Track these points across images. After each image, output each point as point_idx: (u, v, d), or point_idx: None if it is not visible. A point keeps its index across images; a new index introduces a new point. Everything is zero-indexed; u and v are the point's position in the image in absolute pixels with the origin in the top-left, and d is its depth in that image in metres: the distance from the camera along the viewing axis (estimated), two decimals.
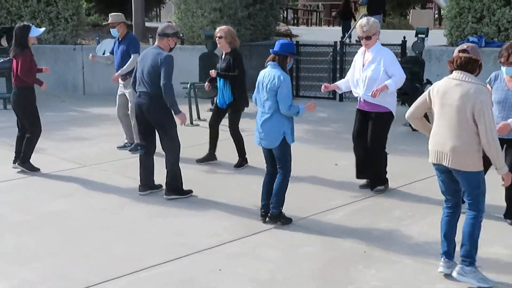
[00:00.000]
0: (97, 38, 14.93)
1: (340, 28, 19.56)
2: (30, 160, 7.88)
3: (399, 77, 6.60)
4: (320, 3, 45.31)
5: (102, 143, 9.54)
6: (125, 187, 7.21)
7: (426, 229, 5.90)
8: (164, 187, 6.89)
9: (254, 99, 6.09)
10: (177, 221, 6.14)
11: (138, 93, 6.80)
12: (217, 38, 7.96)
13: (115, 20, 8.93)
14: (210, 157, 8.35)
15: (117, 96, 9.18)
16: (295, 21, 30.43)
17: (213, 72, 8.07)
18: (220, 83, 8.06)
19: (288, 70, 5.96)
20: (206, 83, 8.48)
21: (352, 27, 15.65)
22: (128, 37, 8.97)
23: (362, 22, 6.63)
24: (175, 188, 6.81)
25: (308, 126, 10.80)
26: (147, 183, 6.96)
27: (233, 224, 6.05)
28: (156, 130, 6.85)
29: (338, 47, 13.31)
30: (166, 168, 6.81)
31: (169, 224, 6.06)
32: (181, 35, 14.40)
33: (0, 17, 14.78)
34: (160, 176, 7.01)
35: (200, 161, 8.29)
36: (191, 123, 10.83)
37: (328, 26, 31.82)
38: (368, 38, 6.60)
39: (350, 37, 18.44)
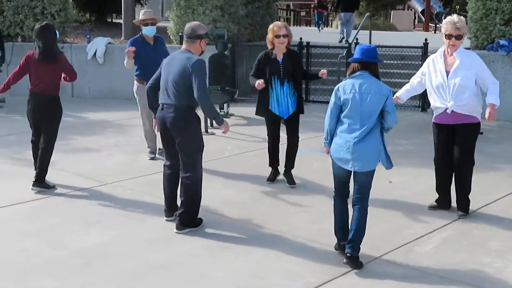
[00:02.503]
0: (88, 36, 13.80)
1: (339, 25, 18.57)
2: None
3: (496, 86, 5.82)
4: (291, 3, 44.71)
5: (114, 155, 8.47)
6: (160, 211, 6.20)
7: None
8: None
9: (331, 114, 5.11)
10: (244, 258, 5.16)
11: (161, 105, 5.72)
12: (281, 37, 6.71)
13: (153, 16, 7.97)
14: (277, 174, 7.36)
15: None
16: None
17: (325, 73, 6.89)
18: (282, 88, 6.85)
19: None
20: (260, 82, 6.70)
21: (359, 27, 14.83)
22: (159, 38, 8.02)
23: (453, 19, 5.79)
24: (192, 219, 5.72)
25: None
26: (173, 207, 5.93)
27: (309, 260, 5.11)
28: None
29: (353, 49, 12.46)
30: (182, 196, 5.69)
31: (236, 261, 5.09)
32: (180, 33, 13.36)
33: None
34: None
35: (271, 180, 7.25)
36: (206, 131, 9.84)
37: (307, 26, 31.08)
38: (459, 37, 5.78)
39: (346, 37, 17.77)
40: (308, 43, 13.13)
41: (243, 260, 5.10)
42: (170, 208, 5.94)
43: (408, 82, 6.48)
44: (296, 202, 6.58)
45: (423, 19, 32.67)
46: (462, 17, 5.89)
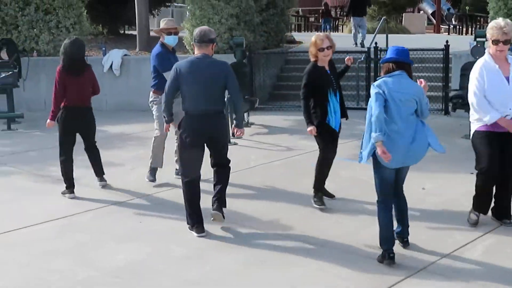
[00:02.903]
0: (103, 48, 13.71)
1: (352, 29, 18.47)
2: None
3: None
4: (299, 9, 44.58)
5: (138, 169, 8.31)
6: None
7: None
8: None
9: (379, 105, 4.88)
10: (284, 271, 4.99)
11: (188, 113, 5.75)
12: (325, 50, 6.24)
13: (176, 25, 7.68)
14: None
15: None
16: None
17: (350, 58, 6.74)
18: (336, 100, 6.42)
19: None
20: (312, 129, 6.34)
21: (376, 31, 14.67)
22: (174, 48, 7.69)
23: (499, 23, 5.58)
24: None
25: (357, 141, 9.73)
26: (202, 220, 5.83)
27: (353, 271, 4.94)
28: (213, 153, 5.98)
29: (372, 54, 12.30)
30: (220, 184, 5.91)
31: (276, 276, 4.92)
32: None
33: None
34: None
35: (330, 196, 6.75)
36: (229, 141, 9.69)
37: (317, 31, 30.90)
38: (506, 42, 5.56)
39: (359, 40, 17.62)
40: None
41: (284, 274, 4.93)
42: (201, 223, 5.80)
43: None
44: (329, 212, 6.40)
45: (433, 21, 32.46)
46: (508, 20, 5.66)
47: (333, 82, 6.42)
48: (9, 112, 11.47)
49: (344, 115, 6.57)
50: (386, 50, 12.93)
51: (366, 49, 12.64)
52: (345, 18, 29.39)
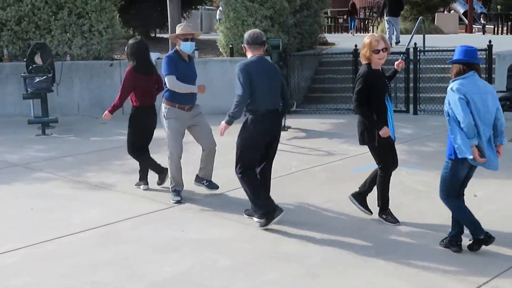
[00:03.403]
0: None
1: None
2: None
3: None
4: (328, 10, 44.27)
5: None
6: (235, 234, 5.84)
7: None
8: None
9: (464, 110, 4.82)
10: (351, 278, 4.75)
11: (258, 112, 5.88)
12: (380, 52, 5.71)
13: (193, 31, 7.00)
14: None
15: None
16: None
17: (402, 62, 6.22)
18: (391, 107, 6.00)
19: None
20: (386, 131, 5.80)
21: (413, 31, 14.31)
22: (192, 56, 7.10)
23: None
24: None
25: (400, 145, 9.41)
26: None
27: (440, 270, 4.68)
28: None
29: (411, 55, 11.97)
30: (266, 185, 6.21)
31: (342, 284, 4.69)
32: (230, 45, 13.05)
33: (28, 32, 13.33)
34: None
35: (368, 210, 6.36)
36: None
37: (346, 33, 30.58)
38: None
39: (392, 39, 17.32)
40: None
41: (351, 281, 4.68)
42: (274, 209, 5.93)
43: None
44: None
45: (465, 20, 31.92)
46: None
47: (389, 87, 6.04)
48: (43, 117, 11.37)
49: None
50: (423, 51, 12.75)
51: (405, 50, 12.32)
52: (378, 18, 29.01)
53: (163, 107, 6.85)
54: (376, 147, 5.84)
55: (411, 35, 14.06)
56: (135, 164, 8.79)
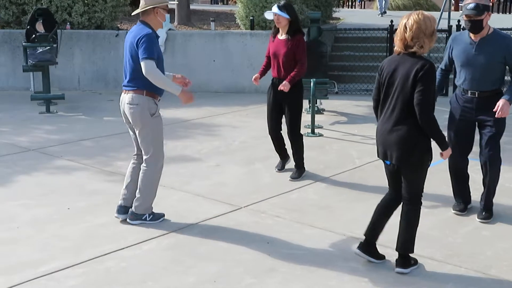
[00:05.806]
0: None
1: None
2: None
3: None
4: None
5: (225, 166, 6.96)
6: (332, 246, 4.79)
7: None
8: None
9: None
10: None
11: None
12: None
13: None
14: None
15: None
16: None
17: None
18: None
19: None
20: None
21: (441, 10, 13.29)
22: None
23: None
24: None
25: None
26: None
27: None
28: None
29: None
30: None
31: None
32: (251, 17, 11.84)
33: None
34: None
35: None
36: (313, 132, 8.38)
37: (361, 8, 29.20)
38: None
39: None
40: None
41: None
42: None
43: None
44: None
45: None
46: None
47: None
48: (45, 92, 10.04)
49: None
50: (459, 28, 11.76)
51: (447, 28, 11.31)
52: None
53: (142, 100, 5.06)
54: (424, 171, 4.37)
55: (440, 12, 13.04)
56: (168, 151, 7.42)
